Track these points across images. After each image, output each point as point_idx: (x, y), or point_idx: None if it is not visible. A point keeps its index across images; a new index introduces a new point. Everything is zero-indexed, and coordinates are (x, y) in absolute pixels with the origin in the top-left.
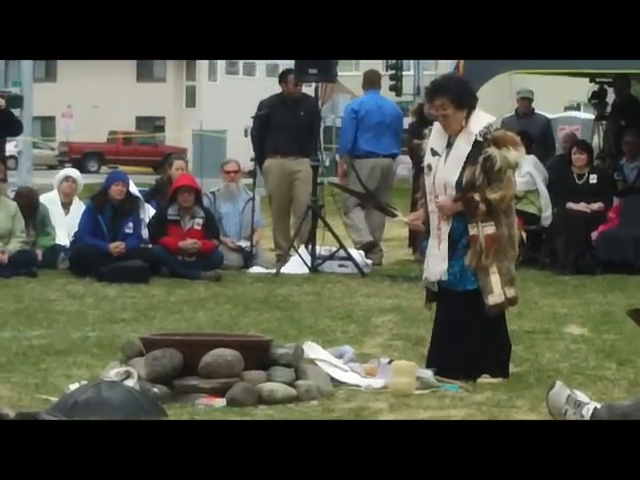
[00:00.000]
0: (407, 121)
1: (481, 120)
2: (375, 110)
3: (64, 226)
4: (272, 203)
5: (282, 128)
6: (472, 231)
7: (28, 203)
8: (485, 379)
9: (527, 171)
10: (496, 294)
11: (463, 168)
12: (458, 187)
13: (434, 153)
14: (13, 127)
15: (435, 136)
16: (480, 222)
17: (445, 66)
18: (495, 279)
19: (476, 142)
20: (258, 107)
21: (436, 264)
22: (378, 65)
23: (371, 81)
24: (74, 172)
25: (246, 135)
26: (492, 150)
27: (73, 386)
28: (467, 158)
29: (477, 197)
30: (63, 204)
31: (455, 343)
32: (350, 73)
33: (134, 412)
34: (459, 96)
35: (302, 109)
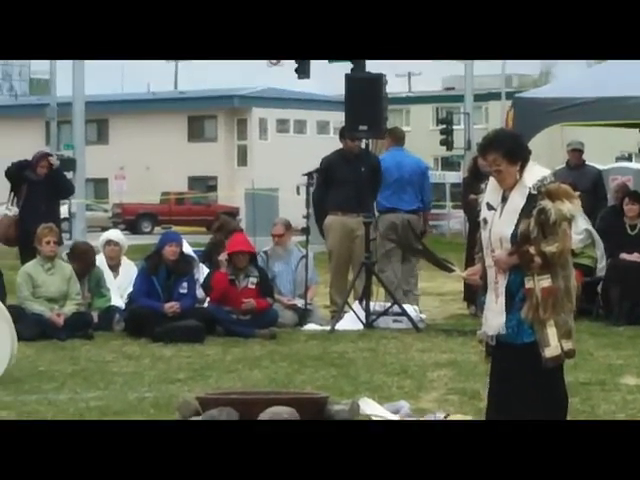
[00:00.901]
0: (460, 175)
1: (535, 173)
2: (393, 167)
3: (115, 288)
4: (331, 260)
5: (343, 184)
6: (528, 284)
7: (83, 257)
8: None
9: (584, 228)
10: (552, 347)
11: (518, 221)
12: (513, 240)
13: (490, 207)
14: (65, 189)
15: (490, 190)
16: (536, 275)
17: (495, 120)
18: (552, 332)
19: (530, 195)
20: (320, 163)
21: (494, 318)
22: (428, 120)
23: (395, 138)
24: (115, 235)
25: (298, 193)
26: (546, 203)
27: None
28: (521, 211)
29: (532, 250)
30: (110, 267)
31: (511, 397)
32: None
33: None
34: (511, 150)
35: (363, 165)
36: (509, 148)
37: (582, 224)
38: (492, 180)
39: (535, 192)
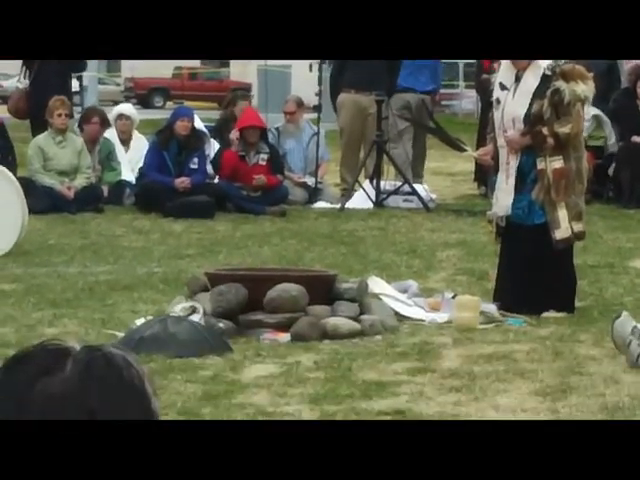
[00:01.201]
0: None
1: None
2: None
3: (126, 162)
4: (342, 137)
5: (357, 62)
6: (540, 165)
7: (93, 118)
8: (549, 313)
9: (592, 114)
10: (563, 228)
11: (531, 102)
12: (526, 121)
13: (503, 87)
14: (77, 65)
15: (504, 70)
16: (548, 156)
17: None
18: (562, 213)
19: (544, 76)
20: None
21: (504, 198)
22: None
23: None
24: (127, 108)
25: (310, 70)
26: (560, 83)
27: (139, 321)
28: (535, 92)
29: (545, 131)
30: (122, 141)
31: (521, 277)
32: None
33: (200, 347)
34: None
35: None
36: None
37: (590, 110)
38: (505, 60)
39: (550, 73)
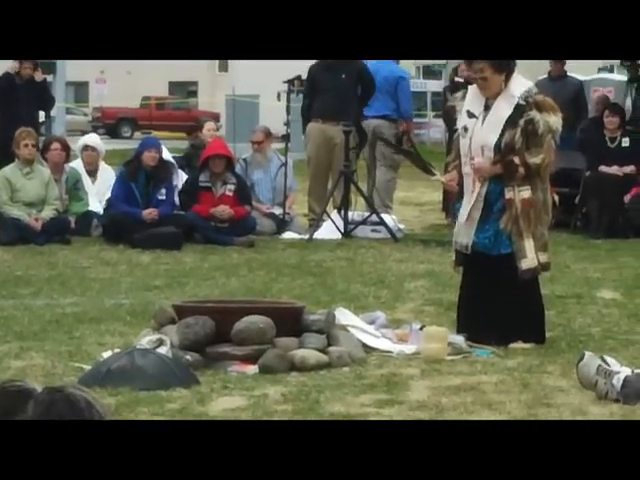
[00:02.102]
0: (441, 84)
1: (522, 84)
2: None
3: (93, 193)
4: (309, 167)
5: (324, 92)
6: (508, 195)
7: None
8: (517, 344)
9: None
10: (529, 258)
11: (503, 130)
12: (497, 149)
13: (470, 115)
14: (46, 101)
15: (471, 99)
16: (517, 186)
17: None
18: (529, 243)
19: (518, 105)
20: (308, 71)
21: (469, 227)
22: None
23: None
24: (93, 139)
25: (279, 99)
26: (534, 114)
27: (106, 354)
28: (507, 121)
29: (517, 160)
30: (88, 172)
31: (487, 308)
32: None
33: (167, 380)
34: (499, 60)
35: (345, 73)
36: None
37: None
38: (473, 89)
39: (523, 102)
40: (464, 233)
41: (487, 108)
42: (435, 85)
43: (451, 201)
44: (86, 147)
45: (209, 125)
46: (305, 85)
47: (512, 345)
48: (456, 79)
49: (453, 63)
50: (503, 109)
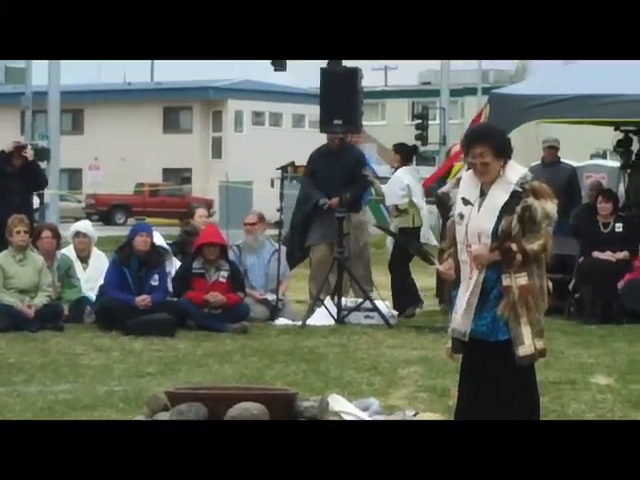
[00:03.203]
0: (434, 170)
1: (517, 170)
2: None
3: (84, 280)
4: (313, 255)
5: (325, 179)
6: (506, 282)
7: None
8: None
9: (406, 184)
10: (527, 345)
11: (499, 217)
12: (494, 236)
13: (466, 202)
14: (38, 182)
15: (466, 185)
16: (513, 273)
17: (471, 115)
18: (526, 330)
19: (514, 192)
20: (308, 160)
21: (466, 314)
22: (404, 115)
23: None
24: (84, 226)
25: (272, 186)
26: (531, 200)
27: None
28: (503, 207)
29: (515, 247)
30: (80, 258)
31: (482, 396)
32: (376, 123)
33: None
34: (500, 146)
35: (345, 160)
36: (498, 143)
37: (405, 180)
38: (467, 175)
39: (520, 189)
40: (461, 321)
41: (483, 194)
42: (428, 171)
43: (445, 288)
44: (77, 234)
45: (200, 212)
46: (305, 169)
47: None
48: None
49: (446, 149)
50: (499, 196)
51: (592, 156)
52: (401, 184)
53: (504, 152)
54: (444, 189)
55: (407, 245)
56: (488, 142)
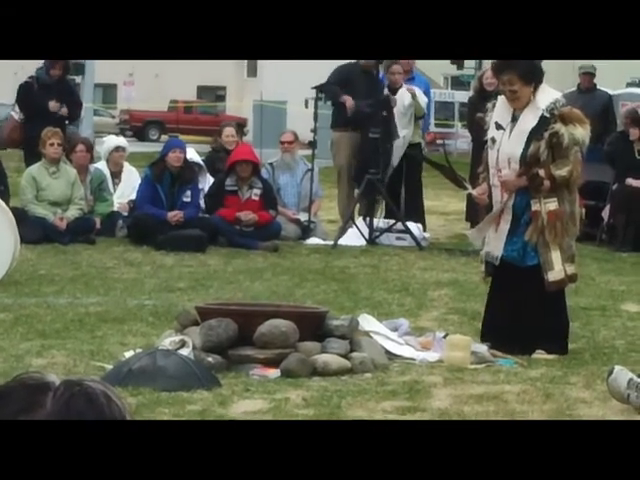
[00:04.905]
0: (468, 95)
1: (548, 95)
2: None
3: (117, 195)
4: (340, 177)
5: (353, 99)
6: (534, 207)
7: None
8: (540, 355)
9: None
10: (556, 270)
11: (527, 143)
12: (522, 161)
13: (498, 127)
14: (74, 104)
15: (500, 110)
16: (543, 198)
17: None
18: (556, 255)
19: (542, 117)
20: (333, 73)
21: (498, 239)
22: None
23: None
24: (122, 141)
25: (306, 106)
26: (559, 126)
27: (128, 354)
28: (532, 132)
29: (542, 173)
30: (113, 173)
31: (512, 318)
32: None
33: (188, 381)
34: (527, 72)
35: (376, 82)
36: (525, 69)
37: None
38: (501, 100)
39: (548, 115)
40: (494, 245)
41: (514, 120)
42: (463, 96)
43: (475, 211)
44: (117, 148)
45: (228, 131)
46: (333, 77)
47: (535, 355)
48: (485, 85)
49: (481, 73)
50: (529, 121)
51: (628, 84)
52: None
53: (533, 77)
54: (480, 114)
55: (440, 170)
56: (514, 69)
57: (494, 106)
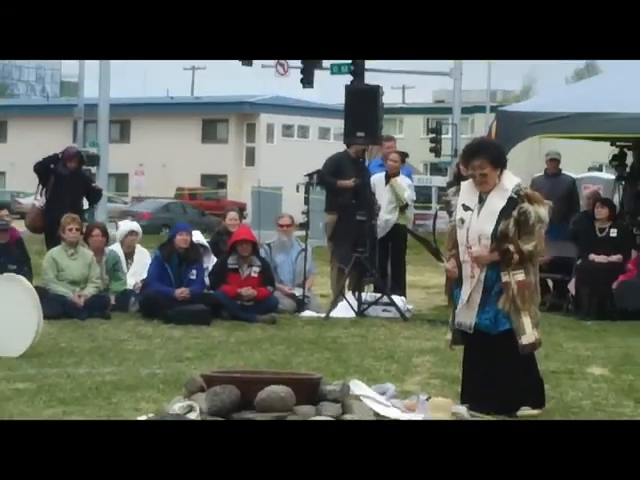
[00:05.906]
0: (445, 180)
1: (512, 179)
2: None
3: (130, 274)
4: (336, 254)
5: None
6: (504, 278)
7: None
8: (526, 411)
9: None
10: (529, 334)
11: (497, 221)
12: (493, 238)
13: (466, 208)
14: (94, 195)
15: (466, 193)
16: (511, 270)
17: (480, 130)
18: (527, 321)
19: (510, 198)
20: (325, 164)
21: (470, 309)
22: (419, 129)
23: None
24: (135, 225)
25: (298, 191)
26: (527, 206)
27: (141, 419)
28: (502, 212)
29: (512, 248)
30: (126, 254)
31: (488, 381)
32: (394, 136)
33: None
34: (496, 157)
35: (362, 169)
36: (494, 155)
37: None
38: (466, 184)
39: (515, 195)
40: (466, 314)
41: (481, 201)
42: (440, 180)
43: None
44: (131, 232)
45: (231, 215)
46: (327, 167)
47: (521, 412)
48: (462, 170)
49: (457, 160)
50: (497, 202)
51: (590, 169)
52: (408, 181)
53: (500, 162)
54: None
55: (423, 243)
56: (485, 155)
57: (458, 191)
